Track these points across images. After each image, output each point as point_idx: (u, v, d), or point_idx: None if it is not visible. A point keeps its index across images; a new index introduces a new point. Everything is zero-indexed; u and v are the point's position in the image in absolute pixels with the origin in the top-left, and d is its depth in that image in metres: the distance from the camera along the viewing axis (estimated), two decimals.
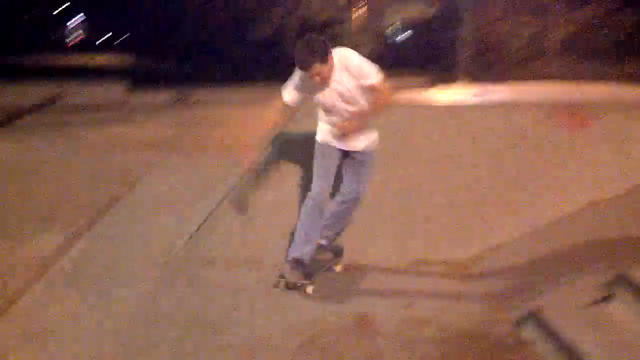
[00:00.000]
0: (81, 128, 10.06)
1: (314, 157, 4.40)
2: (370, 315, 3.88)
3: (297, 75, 4.18)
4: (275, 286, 4.28)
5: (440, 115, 7.28)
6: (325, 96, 4.14)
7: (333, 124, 4.28)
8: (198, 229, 5.16)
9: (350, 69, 4.00)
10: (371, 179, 4.55)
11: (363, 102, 4.17)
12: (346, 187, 4.50)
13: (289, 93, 4.27)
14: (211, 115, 12.17)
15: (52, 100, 10.86)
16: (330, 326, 3.75)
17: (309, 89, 4.16)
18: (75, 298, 4.13)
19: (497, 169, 5.76)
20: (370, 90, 4.09)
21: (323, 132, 4.41)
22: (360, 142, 4.37)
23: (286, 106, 4.32)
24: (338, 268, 4.70)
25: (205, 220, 5.27)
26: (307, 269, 4.33)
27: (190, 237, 5.04)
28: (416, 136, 6.35)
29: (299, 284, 4.25)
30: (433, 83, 18.75)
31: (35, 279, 4.39)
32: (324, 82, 4.03)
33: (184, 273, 4.56)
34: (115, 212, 5.70)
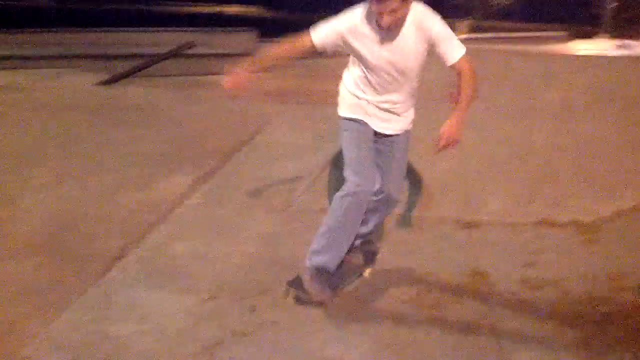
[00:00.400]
0: (209, 75, 10.43)
1: (342, 140, 3.45)
2: (486, 272, 3.74)
3: (345, 17, 3.19)
4: (285, 295, 3.46)
5: (576, 68, 6.89)
6: (379, 53, 3.15)
7: (367, 100, 3.35)
8: (316, 178, 5.23)
9: (425, 31, 3.08)
10: (403, 177, 3.63)
11: (416, 79, 3.31)
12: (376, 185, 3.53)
13: (322, 33, 3.26)
14: (334, 67, 12.20)
15: (183, 48, 11.28)
16: (442, 281, 3.67)
17: (358, 40, 3.17)
18: (198, 239, 4.30)
19: (632, 126, 5.37)
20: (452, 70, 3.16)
21: (350, 105, 3.44)
22: (398, 123, 3.43)
23: (309, 48, 3.34)
24: (367, 273, 3.77)
25: (323, 170, 5.32)
26: (330, 279, 3.40)
27: (308, 186, 5.11)
28: (546, 88, 6.05)
29: (317, 299, 3.34)
30: (572, 36, 17.89)
31: (162, 219, 4.63)
32: (389, 30, 3.06)
33: (301, 220, 4.63)
34: (238, 158, 5.92)
